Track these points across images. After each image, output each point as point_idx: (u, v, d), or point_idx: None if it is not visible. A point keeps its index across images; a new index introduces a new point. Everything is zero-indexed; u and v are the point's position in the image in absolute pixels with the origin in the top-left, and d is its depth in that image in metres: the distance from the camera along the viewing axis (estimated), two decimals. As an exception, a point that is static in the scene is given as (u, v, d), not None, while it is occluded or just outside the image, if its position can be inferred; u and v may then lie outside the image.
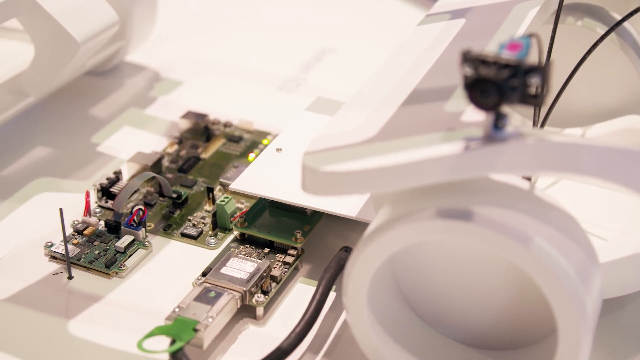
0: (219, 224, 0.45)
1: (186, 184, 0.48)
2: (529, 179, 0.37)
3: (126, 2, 0.55)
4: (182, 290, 0.40)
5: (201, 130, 0.52)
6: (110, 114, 0.55)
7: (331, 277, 0.39)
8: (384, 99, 0.36)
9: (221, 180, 0.48)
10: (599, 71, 0.46)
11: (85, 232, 0.43)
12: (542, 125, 0.41)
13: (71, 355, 0.37)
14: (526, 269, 0.30)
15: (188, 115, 0.53)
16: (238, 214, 0.44)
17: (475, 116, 0.32)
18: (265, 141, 0.51)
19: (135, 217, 0.43)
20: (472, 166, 0.30)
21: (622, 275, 0.37)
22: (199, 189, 0.47)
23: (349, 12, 0.71)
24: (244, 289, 0.39)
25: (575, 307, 0.30)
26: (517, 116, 0.49)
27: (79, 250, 0.42)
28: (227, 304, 0.38)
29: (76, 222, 0.44)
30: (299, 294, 0.41)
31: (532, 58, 0.29)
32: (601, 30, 0.45)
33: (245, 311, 0.40)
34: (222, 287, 0.39)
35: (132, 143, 0.52)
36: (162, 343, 0.36)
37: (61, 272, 0.42)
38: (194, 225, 0.45)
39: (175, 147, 0.51)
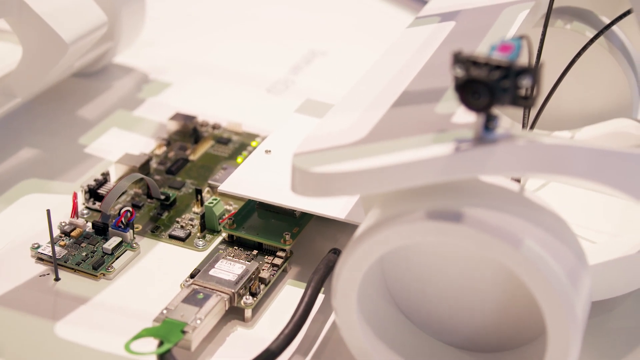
0: (208, 226, 0.44)
1: (174, 185, 0.47)
2: (518, 180, 0.37)
3: (115, 3, 0.55)
4: (170, 292, 0.40)
5: (190, 132, 0.52)
6: (98, 116, 0.55)
7: (320, 279, 0.39)
8: (374, 100, 0.36)
9: (210, 182, 0.48)
10: (587, 74, 0.46)
11: (73, 233, 0.43)
12: (532, 127, 0.41)
13: (58, 358, 0.37)
14: (516, 271, 0.30)
15: (176, 117, 0.53)
16: (226, 215, 0.44)
17: (465, 118, 0.32)
18: (254, 143, 0.51)
19: (123, 219, 0.43)
20: (462, 167, 0.30)
21: (611, 278, 0.37)
22: (187, 190, 0.47)
23: (339, 15, 0.71)
24: (233, 290, 0.39)
25: (564, 309, 0.30)
26: (506, 119, 0.49)
27: (67, 251, 0.42)
28: (215, 305, 0.38)
29: (63, 224, 0.44)
30: (288, 296, 0.41)
31: (523, 60, 0.29)
32: (590, 33, 0.45)
33: (234, 313, 0.39)
34: (210, 289, 0.39)
35: (120, 144, 0.52)
36: (150, 345, 0.36)
37: (48, 274, 0.41)
38: (182, 227, 0.45)
39: (164, 148, 0.51)
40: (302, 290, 0.38)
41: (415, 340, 0.36)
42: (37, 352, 0.37)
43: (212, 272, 0.40)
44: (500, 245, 0.30)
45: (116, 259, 0.42)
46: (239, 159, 0.50)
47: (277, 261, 0.42)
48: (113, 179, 0.48)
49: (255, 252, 0.42)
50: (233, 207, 0.46)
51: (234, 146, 0.51)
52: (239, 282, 0.39)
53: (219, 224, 0.44)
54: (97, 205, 0.45)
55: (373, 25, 0.70)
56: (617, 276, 0.37)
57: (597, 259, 0.37)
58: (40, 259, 0.42)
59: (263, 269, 0.41)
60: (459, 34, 0.41)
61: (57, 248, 0.42)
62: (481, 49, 0.38)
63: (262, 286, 0.40)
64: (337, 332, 0.38)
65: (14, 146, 0.51)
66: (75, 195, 0.44)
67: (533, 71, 0.28)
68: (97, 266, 0.41)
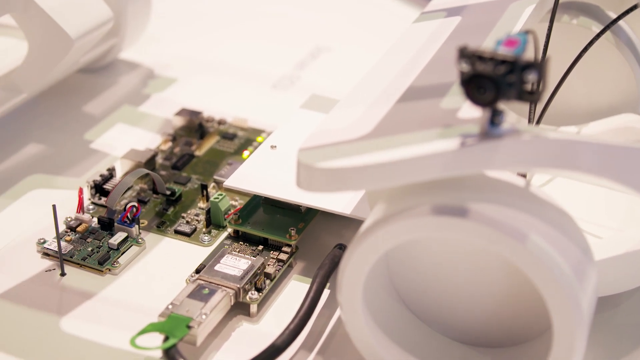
0: (213, 221, 0.44)
1: (180, 181, 0.47)
2: (524, 176, 0.37)
3: (120, -1, 0.55)
4: (175, 287, 0.40)
5: (195, 127, 0.52)
6: (104, 111, 0.55)
7: (325, 275, 0.39)
8: (379, 95, 0.35)
9: (215, 177, 0.48)
10: (594, 69, 0.46)
11: (79, 228, 0.43)
12: (538, 123, 0.41)
13: (64, 353, 0.37)
14: (522, 266, 0.30)
15: (182, 112, 0.53)
16: (232, 211, 0.44)
17: (471, 113, 0.32)
18: (259, 139, 0.51)
19: (128, 214, 0.43)
20: (468, 162, 0.30)
21: (617, 273, 0.37)
22: (193, 186, 0.47)
23: (344, 11, 0.71)
24: (238, 286, 0.39)
25: (570, 305, 0.30)
26: (512, 114, 0.49)
27: (72, 247, 0.42)
28: (220, 301, 0.38)
29: (69, 219, 0.44)
30: (293, 291, 0.41)
31: (529, 55, 0.29)
32: (596, 28, 0.45)
33: (239, 308, 0.39)
34: (215, 284, 0.39)
35: (125, 140, 0.52)
36: (156, 340, 0.36)
37: (54, 269, 0.41)
38: (187, 222, 0.45)
39: (169, 144, 0.51)
40: (308, 286, 0.38)
41: (421, 335, 0.36)
42: (43, 347, 0.37)
43: (217, 267, 0.40)
44: (506, 240, 0.29)
45: (122, 254, 0.42)
46: (245, 155, 0.50)
47: (283, 256, 0.42)
48: (119, 174, 0.48)
49: (260, 247, 0.42)
50: (238, 203, 0.46)
51: (240, 142, 0.51)
52: (245, 277, 0.39)
53: (225, 220, 0.44)
54: (103, 200, 0.45)
55: (378, 21, 0.70)
56: (622, 272, 0.37)
57: (603, 254, 0.37)
58: (46, 254, 0.42)
59: (268, 264, 0.41)
60: (464, 29, 0.41)
61: (62, 243, 0.42)
62: (487, 44, 0.38)
63: (267, 281, 0.40)
64: (342, 327, 0.38)
65: (20, 142, 0.51)
66: (81, 191, 0.44)
67: (539, 66, 0.28)
68: (103, 261, 0.41)
